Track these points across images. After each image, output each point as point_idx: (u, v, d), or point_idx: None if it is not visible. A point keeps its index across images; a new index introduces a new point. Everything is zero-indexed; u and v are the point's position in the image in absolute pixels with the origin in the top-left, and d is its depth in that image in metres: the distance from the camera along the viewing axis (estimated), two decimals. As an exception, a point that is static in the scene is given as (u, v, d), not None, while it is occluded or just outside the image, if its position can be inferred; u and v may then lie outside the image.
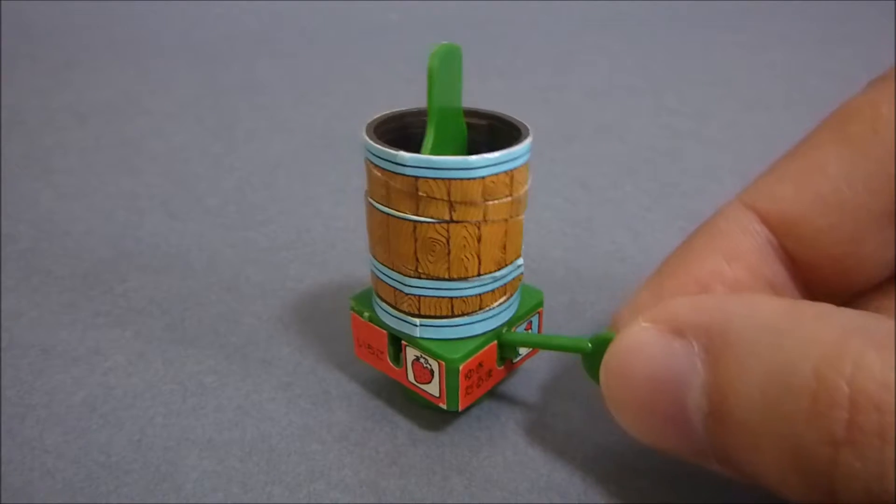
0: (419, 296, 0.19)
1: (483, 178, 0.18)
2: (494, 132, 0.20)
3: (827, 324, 0.13)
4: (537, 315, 0.22)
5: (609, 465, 0.20)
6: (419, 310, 0.19)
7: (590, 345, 0.19)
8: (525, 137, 0.18)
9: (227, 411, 0.22)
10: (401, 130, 0.20)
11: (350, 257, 0.30)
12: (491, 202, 0.18)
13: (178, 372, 0.24)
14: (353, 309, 0.21)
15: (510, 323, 0.21)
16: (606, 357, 0.17)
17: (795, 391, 0.13)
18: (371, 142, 0.18)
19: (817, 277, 0.18)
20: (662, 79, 0.56)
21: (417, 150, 0.18)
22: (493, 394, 0.22)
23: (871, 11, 0.75)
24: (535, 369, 0.23)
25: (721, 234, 0.19)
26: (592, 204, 0.35)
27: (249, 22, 0.73)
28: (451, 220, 0.18)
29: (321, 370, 0.24)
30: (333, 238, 0.32)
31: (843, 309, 0.14)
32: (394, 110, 0.20)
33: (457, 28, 0.72)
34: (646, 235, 0.32)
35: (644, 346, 0.16)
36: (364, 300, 0.22)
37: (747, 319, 0.14)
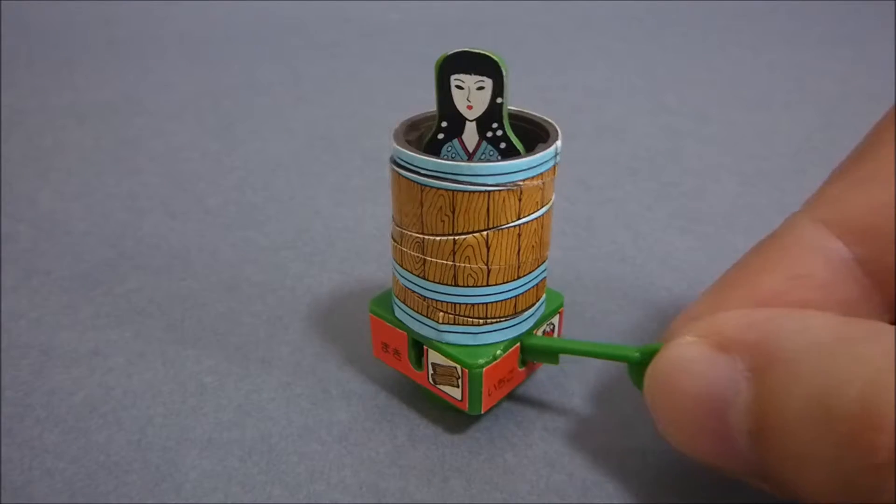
0: (454, 303, 0.19)
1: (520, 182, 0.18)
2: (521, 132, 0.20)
3: (876, 345, 0.13)
4: (558, 316, 0.22)
5: (608, 466, 0.20)
6: (454, 319, 0.19)
7: (638, 354, 0.18)
8: (554, 140, 0.18)
9: (226, 411, 0.22)
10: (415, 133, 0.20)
11: (350, 257, 0.30)
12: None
13: (178, 372, 0.24)
14: (372, 312, 0.21)
15: (535, 326, 0.21)
16: (650, 370, 0.17)
17: (839, 415, 0.13)
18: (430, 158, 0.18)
19: None
20: (662, 79, 0.56)
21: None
22: (510, 395, 0.22)
23: (871, 11, 0.75)
24: (536, 372, 0.23)
25: (786, 250, 0.18)
26: (592, 204, 0.35)
27: (249, 22, 0.72)
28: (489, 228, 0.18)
29: (321, 370, 0.24)
30: (333, 238, 0.32)
31: None
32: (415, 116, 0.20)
33: (457, 28, 0.72)
34: (646, 235, 0.32)
35: (688, 361, 0.16)
36: (383, 303, 0.21)
37: (795, 337, 0.14)
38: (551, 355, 0.20)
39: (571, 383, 0.23)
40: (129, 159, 0.40)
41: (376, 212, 0.34)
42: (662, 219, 0.34)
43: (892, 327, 0.14)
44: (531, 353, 0.20)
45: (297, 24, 0.72)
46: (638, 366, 0.18)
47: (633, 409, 0.22)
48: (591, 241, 0.32)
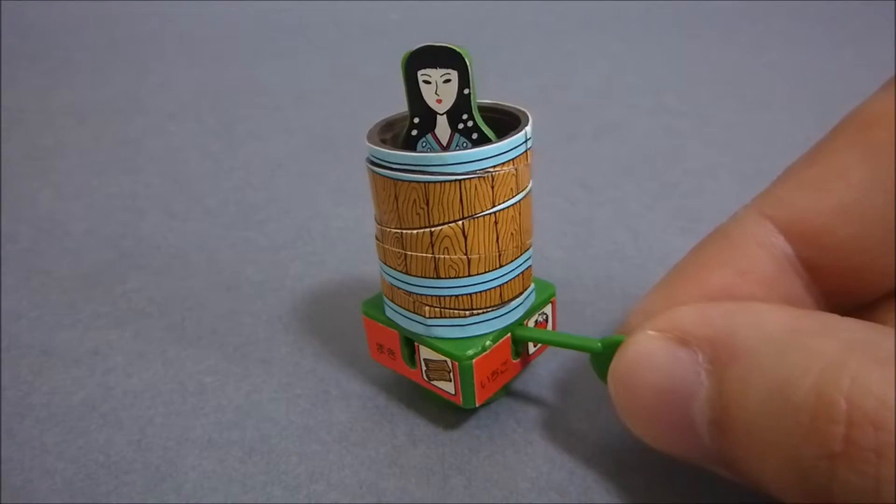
0: (439, 296, 0.19)
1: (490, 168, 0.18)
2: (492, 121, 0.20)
3: (829, 338, 0.14)
4: (550, 305, 0.22)
5: (609, 464, 0.20)
6: (440, 313, 0.19)
7: (600, 345, 0.19)
8: (524, 125, 0.19)
9: (226, 411, 0.22)
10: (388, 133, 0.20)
11: (350, 257, 0.30)
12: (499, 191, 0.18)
13: (178, 372, 0.24)
14: (365, 314, 0.21)
15: (526, 315, 0.21)
16: (614, 364, 0.17)
17: (795, 405, 0.13)
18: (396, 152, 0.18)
19: (836, 288, 0.18)
20: (662, 79, 0.56)
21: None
22: (508, 389, 0.22)
23: (871, 11, 0.75)
24: (535, 369, 0.23)
25: (734, 246, 0.18)
26: (592, 204, 0.35)
27: (249, 22, 0.72)
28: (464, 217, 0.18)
29: (321, 370, 0.24)
30: (333, 238, 0.32)
31: (848, 320, 0.14)
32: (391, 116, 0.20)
33: (457, 28, 0.72)
34: (646, 235, 0.32)
35: (650, 355, 0.16)
36: (375, 304, 0.22)
37: (752, 331, 0.15)
38: (521, 343, 0.21)
39: (571, 380, 0.23)
40: (129, 159, 0.40)
41: (376, 212, 0.34)
42: (662, 219, 0.34)
43: (842, 319, 0.14)
44: (516, 342, 0.21)
45: (297, 24, 0.72)
46: (599, 356, 0.19)
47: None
48: (591, 241, 0.32)
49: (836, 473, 0.13)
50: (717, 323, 0.15)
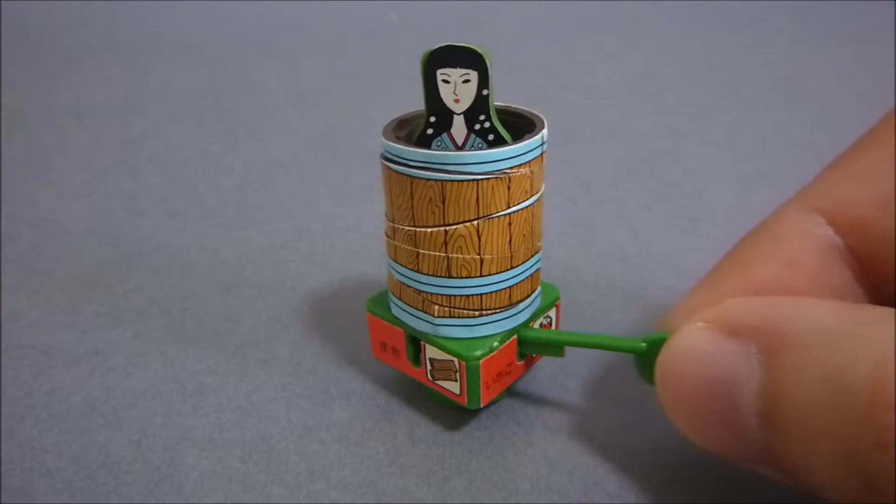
0: (450, 295, 0.19)
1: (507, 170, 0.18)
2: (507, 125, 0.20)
3: (884, 327, 0.13)
4: (554, 308, 0.22)
5: (609, 465, 0.20)
6: (450, 312, 0.19)
7: (644, 344, 0.18)
8: (540, 129, 0.19)
9: (226, 411, 0.22)
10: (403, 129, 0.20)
11: (350, 257, 0.30)
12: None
13: (178, 372, 0.24)
14: (369, 311, 0.21)
15: (532, 318, 0.21)
16: (661, 357, 0.17)
17: (850, 394, 0.13)
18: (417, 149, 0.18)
19: (885, 280, 0.18)
20: (662, 79, 0.56)
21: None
22: (510, 390, 0.22)
23: (871, 11, 0.75)
24: (535, 370, 0.23)
25: (780, 239, 0.18)
26: (592, 204, 0.35)
27: (249, 22, 0.72)
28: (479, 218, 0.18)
29: (321, 370, 0.24)
30: (333, 238, 0.32)
31: None
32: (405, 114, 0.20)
33: (457, 28, 0.72)
34: (646, 235, 0.32)
35: (699, 346, 0.16)
36: (380, 302, 0.21)
37: (805, 321, 0.15)
38: (556, 347, 0.20)
39: (572, 381, 0.23)
40: (129, 159, 0.40)
41: (376, 211, 0.34)
42: (662, 219, 0.34)
43: (894, 311, 0.14)
44: (535, 346, 0.20)
45: (297, 24, 0.72)
46: (644, 356, 0.18)
47: (634, 407, 0.22)
48: (591, 240, 0.32)
49: (889, 463, 0.12)
50: (769, 313, 0.15)
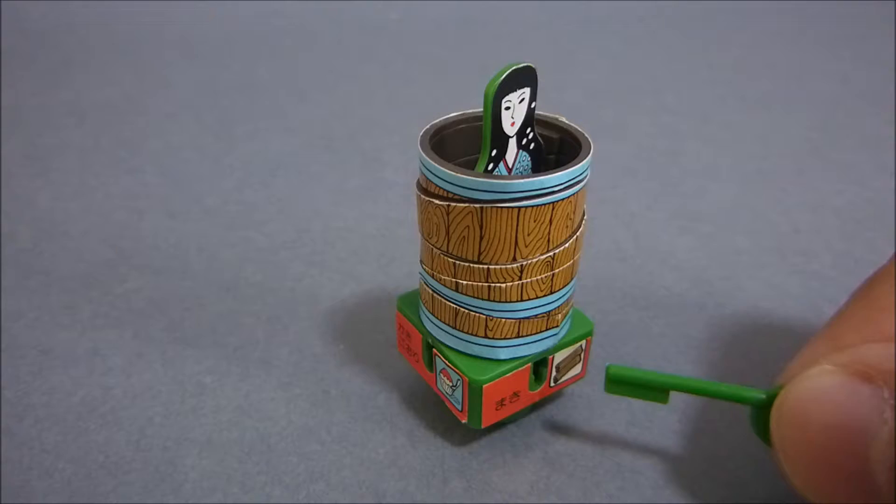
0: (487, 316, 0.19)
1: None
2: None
3: None
4: (585, 342, 0.21)
5: (608, 467, 0.20)
6: (486, 332, 0.19)
7: (764, 396, 0.16)
8: (587, 154, 0.17)
9: (226, 411, 0.22)
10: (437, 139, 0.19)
11: (350, 257, 0.30)
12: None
13: (178, 372, 0.24)
14: (399, 310, 0.21)
15: (555, 349, 0.20)
16: (780, 402, 0.15)
17: None
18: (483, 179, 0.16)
19: None
20: (662, 79, 0.56)
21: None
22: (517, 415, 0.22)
23: (871, 11, 0.75)
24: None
25: None
26: (592, 204, 0.35)
27: (249, 22, 0.72)
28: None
29: (321, 370, 0.24)
30: (333, 238, 0.32)
31: None
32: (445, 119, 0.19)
33: (457, 28, 0.72)
34: (646, 235, 0.32)
35: (827, 390, 0.15)
36: (410, 302, 0.21)
37: None
38: (660, 392, 0.18)
39: (572, 385, 0.23)
40: (129, 159, 0.40)
41: (376, 212, 0.34)
42: (662, 219, 0.33)
43: None
44: (633, 386, 0.18)
45: (297, 23, 0.72)
46: (763, 409, 0.16)
47: (634, 408, 0.22)
48: (591, 240, 0.32)
49: None
50: None
